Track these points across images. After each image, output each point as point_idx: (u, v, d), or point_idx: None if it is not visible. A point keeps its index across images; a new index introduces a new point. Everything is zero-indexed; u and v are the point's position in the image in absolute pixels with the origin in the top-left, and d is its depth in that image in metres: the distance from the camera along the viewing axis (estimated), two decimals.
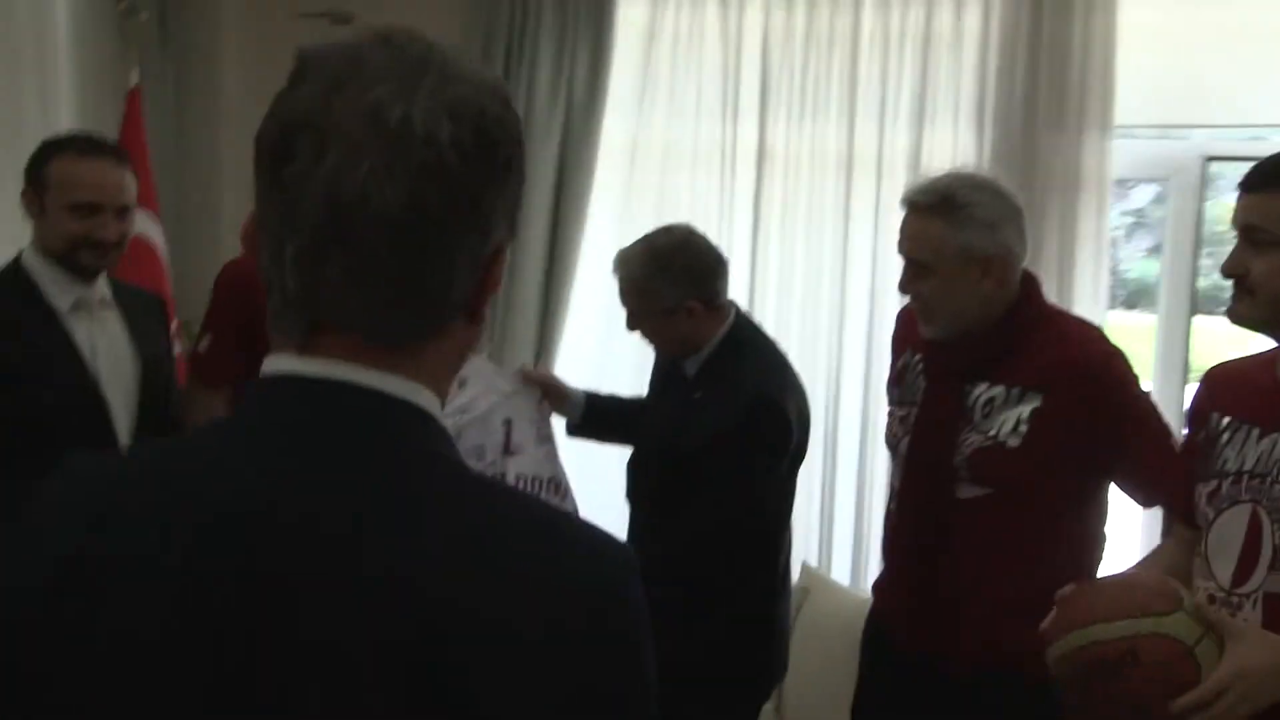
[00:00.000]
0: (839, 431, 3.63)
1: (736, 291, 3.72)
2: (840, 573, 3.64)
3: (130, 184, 2.37)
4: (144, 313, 2.50)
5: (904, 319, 2.31)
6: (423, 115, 0.78)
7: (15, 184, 2.38)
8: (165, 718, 0.75)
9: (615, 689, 0.77)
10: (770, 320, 3.74)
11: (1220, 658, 1.56)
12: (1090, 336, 2.16)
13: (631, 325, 2.46)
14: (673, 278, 2.35)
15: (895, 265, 2.24)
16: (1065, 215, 3.45)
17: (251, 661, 0.74)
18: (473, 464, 2.41)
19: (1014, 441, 2.05)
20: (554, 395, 2.57)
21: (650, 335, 2.46)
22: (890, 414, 2.30)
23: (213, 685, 0.74)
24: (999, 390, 2.08)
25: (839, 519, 3.66)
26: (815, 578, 3.50)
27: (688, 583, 2.32)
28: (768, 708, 3.31)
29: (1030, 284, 2.16)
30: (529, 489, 2.49)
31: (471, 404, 2.48)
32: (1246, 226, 1.67)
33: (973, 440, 2.09)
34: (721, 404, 2.31)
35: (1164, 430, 2.12)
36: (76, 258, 2.29)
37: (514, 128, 0.85)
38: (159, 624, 0.75)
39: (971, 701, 2.10)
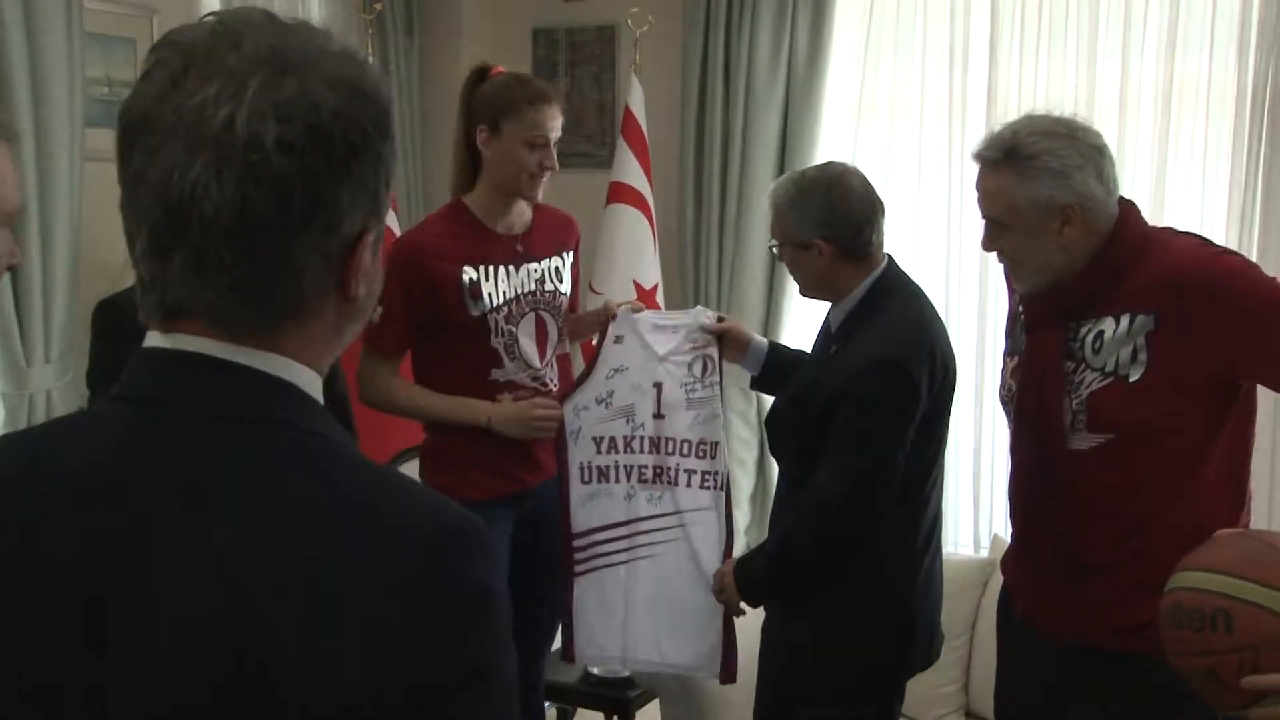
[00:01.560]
0: None
1: (969, 243, 3.57)
2: None
3: None
4: None
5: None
6: (247, 118, 0.79)
7: None
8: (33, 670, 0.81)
9: (420, 665, 0.77)
10: None
11: None
12: (1194, 244, 1.95)
13: (779, 255, 2.42)
14: (805, 213, 2.27)
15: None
16: None
17: (95, 625, 0.79)
18: (622, 424, 2.49)
19: (1135, 373, 1.87)
20: (733, 343, 2.53)
21: (789, 268, 2.40)
22: (1003, 366, 2.14)
23: (63, 644, 0.80)
24: (1107, 322, 1.91)
25: None
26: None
27: (818, 549, 2.22)
28: (953, 688, 3.17)
29: (1128, 212, 1.97)
30: (677, 451, 2.49)
31: (625, 364, 2.50)
32: None
33: (1089, 380, 1.92)
34: (845, 363, 2.21)
35: None
36: None
37: (362, 114, 0.84)
38: (13, 584, 0.82)
39: (1110, 688, 1.92)
